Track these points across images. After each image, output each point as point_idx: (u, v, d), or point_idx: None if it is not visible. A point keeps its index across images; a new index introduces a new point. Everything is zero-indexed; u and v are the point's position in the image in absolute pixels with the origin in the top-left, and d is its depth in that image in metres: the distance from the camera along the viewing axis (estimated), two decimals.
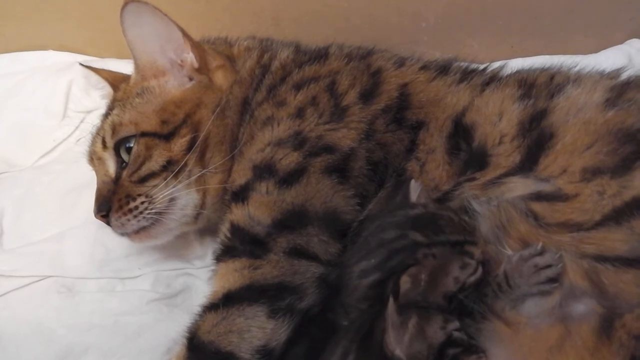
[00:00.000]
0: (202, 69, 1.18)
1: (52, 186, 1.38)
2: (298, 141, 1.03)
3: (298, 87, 1.12)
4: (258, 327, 0.91)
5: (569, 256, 0.82)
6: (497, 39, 1.56)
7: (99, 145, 1.16)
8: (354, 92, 1.08)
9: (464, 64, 1.16)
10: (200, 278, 1.22)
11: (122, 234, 1.13)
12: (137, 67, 1.19)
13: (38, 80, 1.57)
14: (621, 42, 1.58)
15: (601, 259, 0.80)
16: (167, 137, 1.11)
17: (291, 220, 0.97)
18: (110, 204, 1.09)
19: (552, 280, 0.81)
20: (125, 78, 1.27)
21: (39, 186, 1.39)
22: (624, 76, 1.02)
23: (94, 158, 1.18)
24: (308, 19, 1.44)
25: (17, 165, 1.48)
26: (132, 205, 1.08)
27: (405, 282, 0.79)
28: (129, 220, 1.09)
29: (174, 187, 1.09)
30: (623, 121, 0.89)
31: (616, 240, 0.80)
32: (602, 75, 1.03)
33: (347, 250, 0.96)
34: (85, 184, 1.32)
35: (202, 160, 1.12)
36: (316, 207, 0.98)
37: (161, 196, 1.09)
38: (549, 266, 0.81)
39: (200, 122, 1.13)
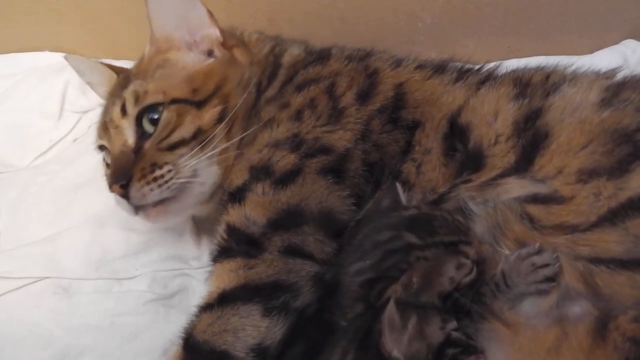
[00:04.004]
0: (226, 44, 1.20)
1: (48, 186, 1.37)
2: (295, 143, 1.03)
3: (300, 88, 1.12)
4: (252, 326, 0.91)
5: (564, 258, 0.82)
6: (492, 39, 1.57)
7: (117, 113, 1.13)
8: (351, 93, 1.08)
9: (459, 64, 1.16)
10: (197, 279, 1.22)
11: (139, 207, 1.08)
12: (153, 38, 1.19)
13: (34, 81, 1.57)
14: (616, 42, 1.58)
15: (596, 260, 0.80)
16: (199, 105, 1.11)
17: (286, 220, 0.97)
18: (131, 174, 1.06)
19: (550, 279, 0.81)
20: (123, 69, 1.27)
21: (35, 186, 1.38)
22: (620, 76, 1.02)
23: (109, 127, 1.15)
24: (304, 19, 1.45)
25: (13, 165, 1.48)
26: (157, 173, 1.05)
27: (393, 290, 0.81)
28: (152, 190, 1.05)
29: (198, 158, 1.08)
30: (619, 121, 0.89)
31: (611, 242, 0.80)
32: (598, 75, 1.03)
33: (343, 249, 0.96)
34: (81, 184, 1.32)
35: (229, 134, 1.12)
36: (311, 207, 0.98)
37: (188, 166, 1.07)
38: (546, 265, 0.81)
39: (229, 94, 1.14)
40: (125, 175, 1.05)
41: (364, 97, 1.08)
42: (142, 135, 1.10)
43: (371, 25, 1.53)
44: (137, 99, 1.12)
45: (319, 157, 1.02)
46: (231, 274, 0.95)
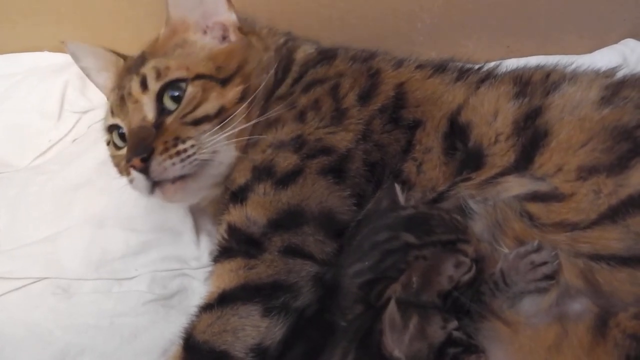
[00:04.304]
0: (242, 29, 1.22)
1: (47, 186, 1.37)
2: (298, 144, 1.04)
3: (306, 89, 1.13)
4: (252, 326, 0.91)
5: (564, 255, 0.82)
6: (492, 39, 1.57)
7: (136, 88, 1.13)
8: (353, 94, 1.09)
9: (460, 64, 1.16)
10: (196, 279, 1.22)
11: (156, 184, 1.06)
12: (169, 20, 1.21)
13: (33, 82, 1.57)
14: (616, 42, 1.58)
15: (596, 257, 0.80)
16: (223, 82, 1.12)
17: (286, 220, 0.97)
18: (152, 147, 1.04)
19: (549, 277, 0.81)
20: (126, 56, 1.29)
21: (34, 186, 1.38)
22: (619, 75, 1.02)
23: (128, 103, 1.14)
24: (303, 19, 1.45)
25: (13, 166, 1.48)
26: (181, 147, 1.04)
27: (393, 290, 0.81)
28: (174, 164, 1.04)
29: (219, 136, 1.07)
30: (619, 119, 0.89)
31: (612, 239, 0.80)
32: (598, 74, 1.04)
33: (343, 249, 0.96)
34: (81, 184, 1.32)
35: (248, 116, 1.12)
36: (312, 207, 0.98)
37: (210, 143, 1.06)
38: (545, 263, 0.81)
39: (250, 75, 1.15)
40: (146, 148, 1.04)
41: (365, 97, 1.08)
42: (161, 111, 1.10)
43: (371, 25, 1.53)
44: (158, 74, 1.12)
45: (320, 158, 1.02)
46: (231, 274, 0.95)
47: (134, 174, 1.06)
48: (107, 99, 1.31)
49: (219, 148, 1.08)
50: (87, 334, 1.14)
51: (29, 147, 1.49)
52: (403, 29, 1.54)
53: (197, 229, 1.28)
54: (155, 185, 1.06)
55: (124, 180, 1.16)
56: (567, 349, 0.77)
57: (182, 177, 1.06)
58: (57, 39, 1.52)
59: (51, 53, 1.65)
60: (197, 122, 1.08)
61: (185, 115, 1.08)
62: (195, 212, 1.30)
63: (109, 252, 1.24)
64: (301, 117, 1.07)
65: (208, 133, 1.07)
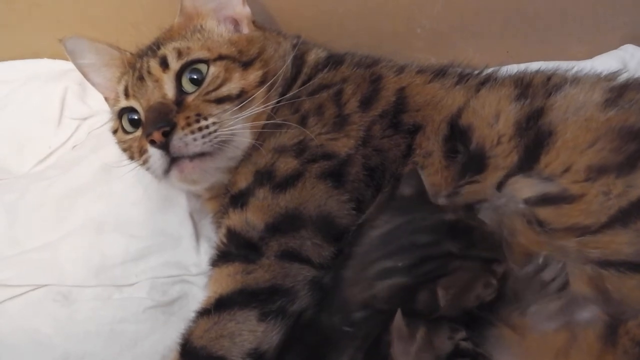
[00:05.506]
0: (256, 23, 1.26)
1: (47, 192, 1.36)
2: (299, 149, 1.04)
3: (312, 93, 1.13)
4: (249, 331, 0.91)
5: (573, 263, 0.81)
6: (491, 44, 1.57)
7: (155, 67, 1.14)
8: (355, 100, 1.09)
9: (460, 69, 1.17)
10: (196, 285, 1.21)
11: (174, 160, 1.06)
12: (183, 11, 1.24)
13: (33, 88, 1.57)
14: (615, 47, 1.58)
15: (606, 264, 0.80)
16: (245, 65, 1.14)
17: (284, 224, 0.97)
18: (175, 122, 1.04)
19: (560, 289, 0.81)
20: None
21: (34, 192, 1.37)
22: (622, 78, 1.02)
23: (147, 81, 1.14)
24: (303, 24, 1.44)
25: (13, 172, 1.47)
26: (203, 123, 1.04)
27: (442, 295, 0.79)
28: (195, 139, 1.03)
29: (237, 117, 1.08)
30: (625, 119, 0.89)
31: (622, 243, 0.80)
32: (600, 77, 1.03)
33: (343, 252, 0.95)
34: (80, 190, 1.32)
35: (267, 99, 1.13)
36: (310, 211, 0.98)
37: (230, 122, 1.07)
38: (554, 279, 0.81)
39: (269, 61, 1.17)
40: (169, 122, 1.04)
41: (366, 103, 1.08)
42: (180, 90, 1.11)
43: (370, 30, 1.53)
44: (180, 54, 1.13)
45: (320, 163, 1.02)
46: (229, 278, 0.95)
47: (151, 150, 1.06)
48: (107, 95, 1.34)
49: (237, 130, 1.08)
50: (87, 341, 1.14)
51: (28, 154, 1.48)
52: (402, 34, 1.54)
53: (197, 235, 1.28)
54: (172, 162, 1.06)
55: (126, 180, 1.18)
56: (576, 354, 0.77)
57: (201, 155, 1.06)
58: (57, 45, 1.53)
59: (50, 60, 1.65)
60: (220, 101, 1.09)
61: (208, 93, 1.09)
62: (195, 217, 1.30)
63: (108, 258, 1.23)
64: (304, 122, 1.07)
65: (229, 112, 1.08)
